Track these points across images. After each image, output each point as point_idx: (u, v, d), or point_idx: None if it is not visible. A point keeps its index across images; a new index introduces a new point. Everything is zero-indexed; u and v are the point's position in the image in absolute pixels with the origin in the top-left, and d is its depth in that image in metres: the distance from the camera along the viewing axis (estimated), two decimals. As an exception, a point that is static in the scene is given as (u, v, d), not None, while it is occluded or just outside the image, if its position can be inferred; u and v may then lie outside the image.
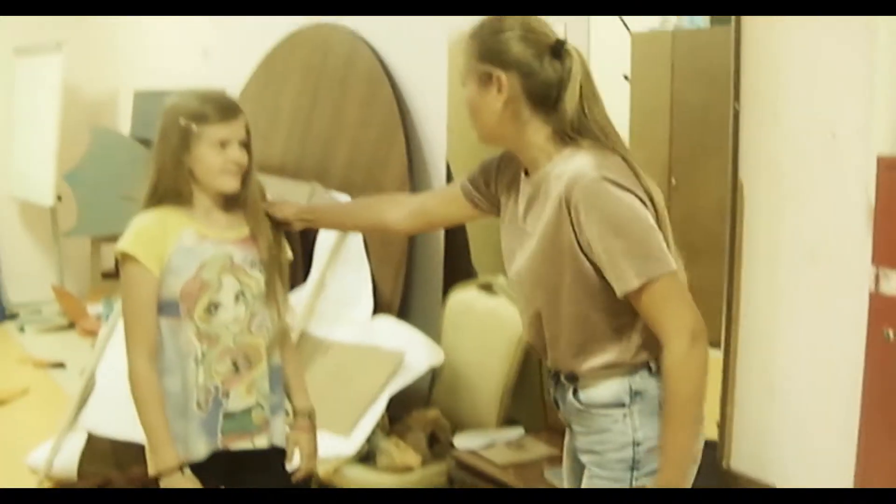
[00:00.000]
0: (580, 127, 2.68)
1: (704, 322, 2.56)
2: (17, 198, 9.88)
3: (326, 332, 5.22)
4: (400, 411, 4.76)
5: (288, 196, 5.76)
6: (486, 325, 4.85)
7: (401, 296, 5.41)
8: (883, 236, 3.35)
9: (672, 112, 4.26)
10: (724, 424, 3.86)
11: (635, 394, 2.69)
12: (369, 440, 4.57)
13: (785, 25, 3.63)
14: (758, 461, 3.78)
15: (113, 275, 9.52)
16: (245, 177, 3.35)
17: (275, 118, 6.57)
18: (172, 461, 3.23)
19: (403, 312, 5.43)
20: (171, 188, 3.29)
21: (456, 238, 5.39)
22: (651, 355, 2.66)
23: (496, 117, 2.74)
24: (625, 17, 4.29)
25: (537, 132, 2.72)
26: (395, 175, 5.46)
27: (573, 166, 2.60)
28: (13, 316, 9.53)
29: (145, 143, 7.48)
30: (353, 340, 5.06)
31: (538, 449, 4.45)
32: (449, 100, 5.35)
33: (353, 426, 4.61)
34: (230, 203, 3.38)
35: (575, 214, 2.57)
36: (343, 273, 5.45)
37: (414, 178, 5.45)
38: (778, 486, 3.71)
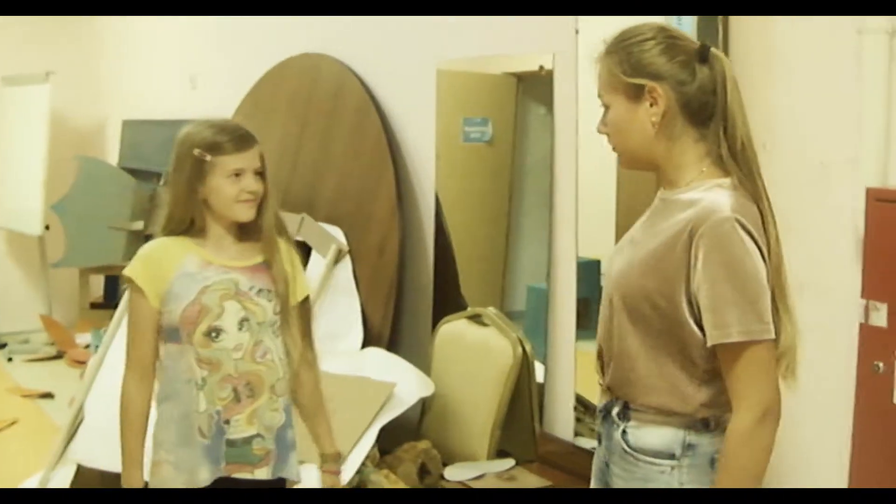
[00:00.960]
0: (731, 148, 2.53)
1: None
2: (4, 227, 9.87)
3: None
4: (390, 443, 4.73)
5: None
6: (476, 357, 4.83)
7: (390, 327, 5.40)
8: (872, 268, 3.35)
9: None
10: (715, 455, 3.86)
11: (688, 447, 2.55)
12: (359, 472, 4.54)
13: (772, 56, 3.63)
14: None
15: (101, 305, 9.52)
16: (261, 206, 3.36)
17: (263, 147, 6.56)
18: (136, 483, 3.30)
19: (393, 344, 5.42)
20: (186, 217, 3.33)
21: (445, 269, 5.39)
22: (713, 414, 2.53)
23: (648, 136, 2.57)
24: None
25: (687, 150, 2.57)
26: (384, 205, 5.45)
27: (711, 198, 2.46)
28: (1, 346, 9.50)
29: (133, 172, 7.48)
30: (342, 372, 5.03)
31: (529, 480, 4.43)
32: (437, 129, 5.35)
33: (343, 458, 4.59)
34: (245, 232, 3.40)
35: (696, 248, 2.43)
36: (332, 304, 5.45)
37: (403, 208, 5.45)
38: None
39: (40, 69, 9.15)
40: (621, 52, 2.59)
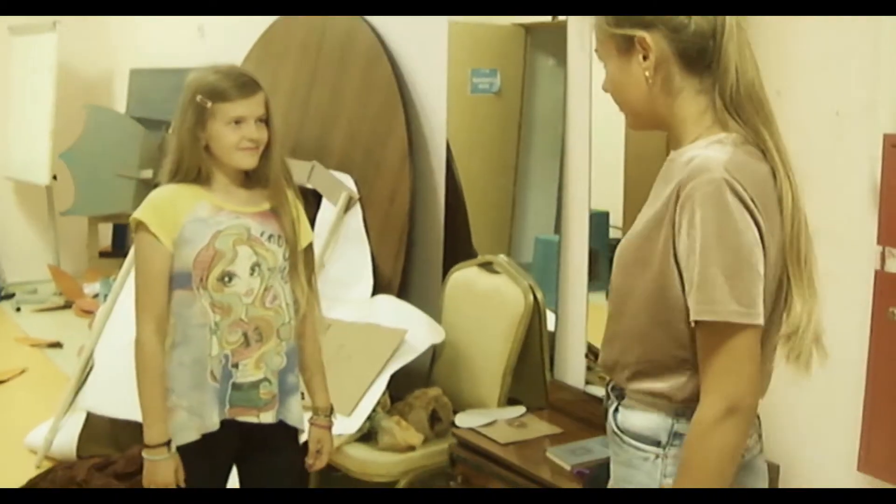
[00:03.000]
0: (730, 97, 2.30)
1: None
2: (12, 177, 9.86)
3: (326, 311, 5.19)
4: (401, 390, 4.75)
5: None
6: (487, 304, 4.84)
7: (401, 275, 5.40)
8: (888, 215, 3.33)
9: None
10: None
11: (675, 435, 2.36)
12: (370, 419, 4.57)
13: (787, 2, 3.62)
14: (763, 440, 3.78)
15: (110, 254, 9.53)
16: (265, 153, 3.37)
17: (273, 96, 6.51)
18: (160, 437, 3.26)
19: (404, 291, 5.42)
20: (191, 165, 3.32)
21: (456, 218, 5.39)
22: None
23: (645, 91, 2.37)
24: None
25: (690, 103, 2.35)
26: (394, 153, 5.45)
27: (704, 155, 2.24)
28: (9, 296, 9.53)
29: (141, 121, 7.47)
30: (353, 319, 5.05)
31: (540, 427, 4.44)
32: (449, 78, 5.34)
33: (354, 405, 4.61)
34: (251, 180, 3.41)
35: (680, 212, 2.22)
36: (343, 251, 5.45)
37: (414, 156, 5.44)
38: (782, 466, 3.70)
39: (47, 18, 9.12)
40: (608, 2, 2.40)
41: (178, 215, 3.28)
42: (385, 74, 5.62)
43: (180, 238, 3.28)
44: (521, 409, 4.65)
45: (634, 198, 4.24)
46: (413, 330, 4.81)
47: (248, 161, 3.33)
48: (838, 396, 3.59)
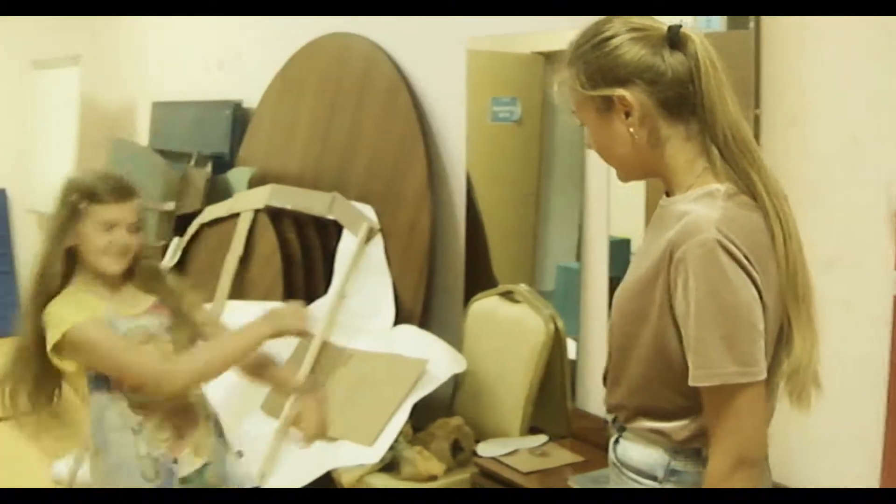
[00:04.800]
0: (714, 143, 2.28)
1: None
2: (36, 210, 9.91)
3: (348, 342, 5.22)
4: (423, 420, 4.76)
5: (308, 205, 5.79)
6: (508, 333, 4.85)
7: (422, 304, 5.41)
8: (906, 241, 3.34)
9: (690, 116, 4.25)
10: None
11: (672, 472, 2.38)
12: (393, 449, 4.57)
13: (804, 29, 3.62)
14: (782, 466, 3.77)
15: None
16: (137, 257, 3.37)
17: (293, 128, 6.58)
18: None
19: (425, 321, 5.43)
20: (59, 268, 3.27)
21: (477, 247, 5.39)
22: (707, 442, 2.29)
23: (632, 146, 2.33)
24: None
25: (679, 151, 2.32)
26: (415, 183, 5.47)
27: (696, 213, 2.20)
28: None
29: (163, 153, 7.50)
30: (375, 349, 5.06)
31: (562, 456, 4.44)
32: (468, 106, 5.36)
33: (376, 435, 4.61)
34: (122, 279, 3.38)
35: (675, 273, 2.21)
36: (364, 282, 5.46)
37: (434, 186, 5.46)
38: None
39: (70, 53, 9.18)
40: (578, 62, 2.36)
41: (88, 312, 3.23)
42: (404, 104, 5.64)
43: None
44: (542, 438, 4.64)
45: (654, 225, 4.25)
46: (434, 359, 4.82)
47: (115, 266, 3.30)
48: (858, 422, 3.58)
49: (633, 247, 4.52)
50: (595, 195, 4.61)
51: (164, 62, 9.39)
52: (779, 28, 3.70)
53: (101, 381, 3.26)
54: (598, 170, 4.58)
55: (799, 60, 3.65)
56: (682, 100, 2.29)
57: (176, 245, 6.20)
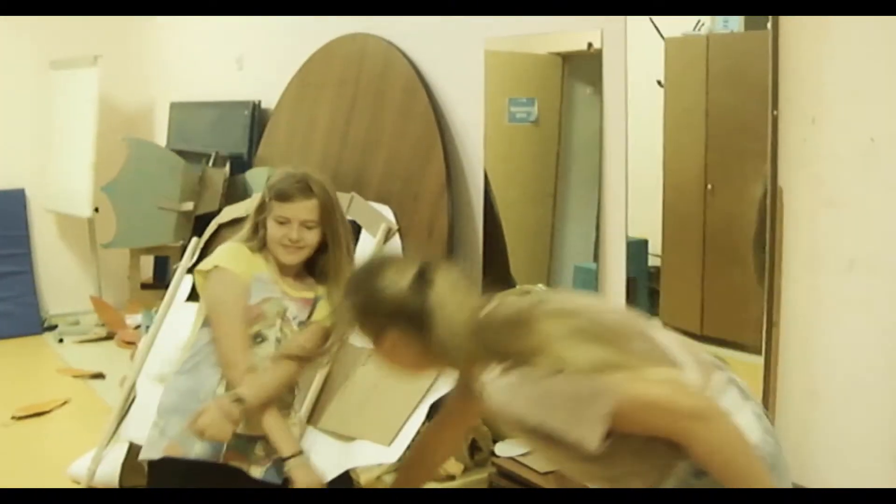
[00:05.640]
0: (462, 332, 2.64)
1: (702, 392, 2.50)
2: (54, 210, 9.93)
3: (366, 342, 5.22)
4: (441, 420, 4.76)
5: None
6: (525, 333, 4.83)
7: (440, 304, 5.39)
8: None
9: (707, 117, 4.26)
10: (765, 430, 3.85)
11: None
12: (410, 448, 4.57)
13: (822, 30, 3.62)
14: (801, 467, 3.77)
15: (151, 286, 9.58)
16: (322, 251, 3.73)
17: (311, 128, 6.59)
18: (293, 448, 3.62)
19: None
20: (254, 239, 3.74)
21: (494, 246, 5.40)
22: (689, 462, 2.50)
23: (414, 360, 2.76)
24: (658, 24, 4.29)
25: (453, 352, 2.67)
26: (433, 184, 5.48)
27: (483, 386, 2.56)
28: (52, 327, 9.59)
29: (182, 153, 7.52)
30: (393, 349, 5.06)
31: (579, 456, 4.43)
32: (486, 107, 5.36)
33: (394, 435, 4.61)
34: (301, 275, 3.78)
35: (516, 425, 2.56)
36: (382, 282, 5.46)
37: (452, 186, 5.47)
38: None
39: (88, 53, 9.20)
40: (356, 321, 2.83)
41: (247, 267, 3.65)
42: (422, 105, 5.65)
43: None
44: (560, 438, 4.63)
45: (672, 225, 4.26)
46: (452, 359, 4.81)
47: (288, 258, 3.67)
48: (877, 423, 3.58)
49: (651, 247, 4.52)
50: (612, 196, 4.62)
51: (182, 63, 9.43)
52: (797, 28, 3.70)
53: None
54: (615, 170, 4.58)
55: (817, 61, 3.65)
56: (427, 316, 2.68)
57: (194, 245, 6.21)
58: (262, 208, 3.71)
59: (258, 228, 3.73)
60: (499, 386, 2.49)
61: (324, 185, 3.70)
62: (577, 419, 2.41)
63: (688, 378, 2.55)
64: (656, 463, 2.53)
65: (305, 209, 3.63)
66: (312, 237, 3.67)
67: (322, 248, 3.73)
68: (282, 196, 3.62)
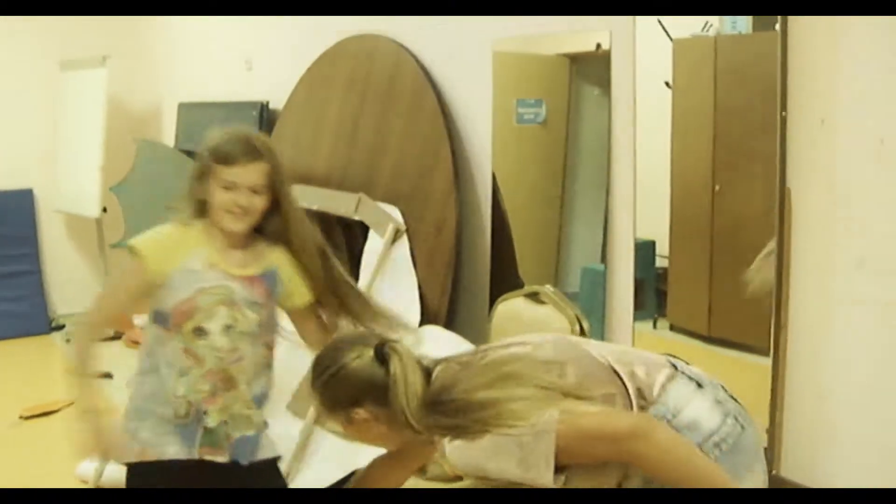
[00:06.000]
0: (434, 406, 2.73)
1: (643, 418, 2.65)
2: (62, 210, 9.95)
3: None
4: (448, 420, 4.75)
5: (335, 206, 5.81)
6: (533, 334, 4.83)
7: (448, 305, 5.41)
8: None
9: (715, 118, 4.26)
10: (773, 431, 3.85)
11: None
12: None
13: (831, 31, 3.62)
14: (808, 469, 3.77)
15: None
16: (270, 216, 3.53)
17: (320, 129, 6.60)
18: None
19: (451, 322, 5.43)
20: (190, 212, 3.51)
21: (502, 247, 5.40)
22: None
23: (386, 436, 2.91)
24: (666, 25, 4.29)
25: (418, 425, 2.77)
26: (441, 184, 5.48)
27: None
28: (59, 327, 9.62)
29: (190, 154, 7.52)
30: (400, 350, 5.06)
31: (587, 457, 4.43)
32: (494, 108, 5.36)
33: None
34: (249, 240, 3.54)
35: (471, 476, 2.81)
36: (390, 283, 5.47)
37: (460, 187, 5.47)
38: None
39: (97, 54, 9.22)
40: (322, 397, 2.97)
41: (174, 260, 3.44)
42: (431, 106, 5.65)
43: (168, 282, 3.43)
44: (567, 439, 4.63)
45: (680, 227, 4.26)
46: (460, 360, 4.81)
47: (234, 225, 3.45)
48: (886, 423, 3.58)
49: (659, 249, 4.52)
50: (620, 197, 4.61)
51: (190, 63, 9.43)
52: (806, 29, 3.69)
53: (163, 317, 3.47)
54: (623, 172, 4.58)
55: (826, 62, 3.64)
56: (389, 391, 2.84)
57: (202, 245, 6.22)
58: (202, 174, 3.45)
59: (191, 203, 3.51)
60: (454, 447, 2.68)
61: (270, 145, 3.49)
62: (526, 463, 2.57)
63: (628, 388, 2.73)
64: (611, 480, 2.69)
65: (254, 173, 3.41)
66: (261, 202, 3.44)
67: (269, 211, 3.53)
68: (227, 159, 3.38)
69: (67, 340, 9.20)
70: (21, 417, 7.24)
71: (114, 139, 9.01)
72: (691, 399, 2.72)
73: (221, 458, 3.58)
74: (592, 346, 2.93)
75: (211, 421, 3.52)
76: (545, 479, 2.56)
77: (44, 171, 9.93)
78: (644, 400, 2.72)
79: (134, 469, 3.61)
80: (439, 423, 2.70)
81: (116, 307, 3.61)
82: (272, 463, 3.76)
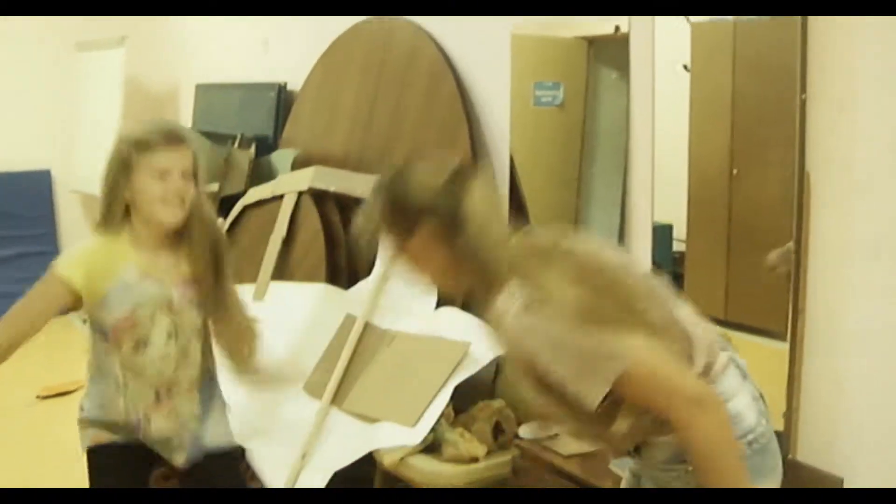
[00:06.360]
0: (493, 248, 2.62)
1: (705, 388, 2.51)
2: (79, 191, 9.97)
3: (391, 324, 5.24)
4: (465, 402, 4.77)
5: (352, 187, 5.81)
6: (550, 317, 4.82)
7: (464, 287, 5.40)
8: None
9: (733, 102, 4.25)
10: (790, 416, 3.85)
11: None
12: (434, 431, 4.58)
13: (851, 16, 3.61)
14: (825, 453, 3.77)
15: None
16: (193, 210, 3.42)
17: (336, 110, 6.60)
18: None
19: (468, 303, 5.43)
20: (116, 216, 3.40)
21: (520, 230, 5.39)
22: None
23: (442, 267, 2.70)
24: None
25: (477, 265, 2.64)
26: (458, 167, 5.45)
27: (503, 311, 2.55)
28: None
29: (207, 135, 7.53)
30: (417, 332, 5.07)
31: (603, 439, 4.44)
32: (512, 91, 5.36)
33: (418, 416, 4.63)
34: (177, 240, 3.47)
35: (523, 356, 2.56)
36: (407, 266, 5.47)
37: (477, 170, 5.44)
38: (845, 478, 3.69)
39: (114, 34, 9.23)
40: (385, 219, 2.71)
41: (105, 280, 3.38)
42: (448, 88, 5.65)
43: (104, 301, 3.39)
44: (584, 422, 4.63)
45: (698, 210, 4.26)
46: (477, 342, 4.82)
47: (172, 216, 3.37)
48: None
49: (676, 233, 4.52)
50: (638, 180, 4.61)
51: (208, 44, 9.43)
52: (824, 16, 3.68)
53: (101, 331, 3.50)
54: (641, 155, 4.57)
55: (846, 46, 3.63)
56: (461, 224, 2.62)
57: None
58: (125, 170, 3.34)
59: (115, 206, 3.40)
60: (521, 321, 2.48)
61: (189, 132, 3.47)
62: (584, 374, 2.44)
63: (696, 358, 2.60)
64: (636, 436, 2.63)
65: (184, 157, 3.37)
66: (191, 189, 3.39)
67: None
68: (155, 146, 3.32)
69: (84, 321, 9.21)
70: (38, 397, 7.28)
71: (131, 120, 9.03)
72: (738, 391, 2.63)
73: (169, 460, 3.65)
74: (675, 300, 2.81)
75: (155, 428, 3.54)
76: (593, 397, 2.46)
77: (61, 151, 9.96)
78: (705, 378, 2.62)
79: (92, 453, 3.67)
80: (511, 267, 2.57)
81: (24, 332, 3.48)
82: (230, 455, 3.83)
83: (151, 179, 3.31)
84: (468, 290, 2.85)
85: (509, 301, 2.51)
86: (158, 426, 3.55)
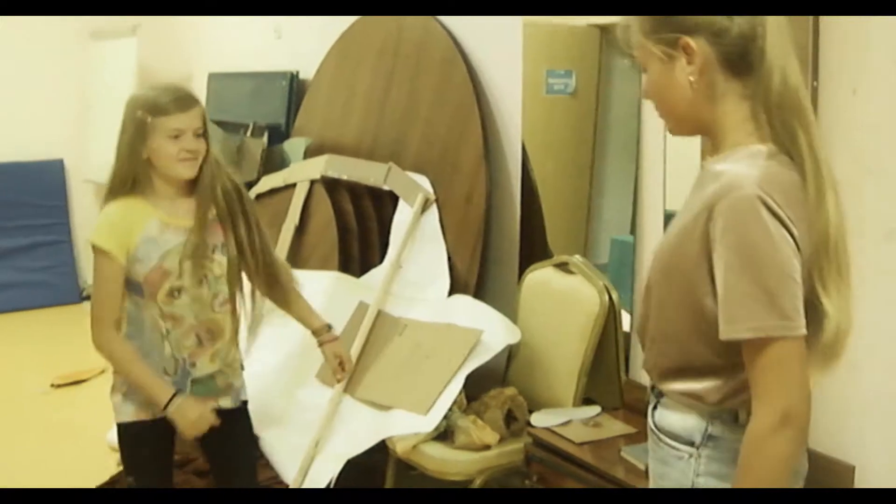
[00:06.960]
0: (779, 100, 2.26)
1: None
2: (92, 180, 9.97)
3: (403, 312, 5.25)
4: (477, 389, 4.77)
5: (364, 175, 5.82)
6: (562, 304, 4.85)
7: (477, 275, 5.42)
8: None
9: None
10: (802, 402, 3.84)
11: (709, 437, 2.40)
12: (447, 418, 4.59)
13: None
14: (837, 440, 3.77)
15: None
16: (203, 164, 3.61)
17: (349, 98, 6.60)
18: (169, 391, 3.58)
19: (480, 291, 5.44)
20: (131, 178, 3.58)
21: (531, 217, 5.40)
22: (743, 406, 2.31)
23: (689, 96, 2.35)
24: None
25: (734, 109, 2.33)
26: (470, 154, 5.47)
27: (736, 170, 2.23)
28: (89, 297, 9.63)
29: (220, 124, 7.53)
30: (430, 319, 5.08)
31: (615, 427, 4.44)
32: (524, 79, 5.35)
33: (430, 404, 4.64)
34: (193, 189, 3.65)
35: (713, 226, 2.21)
36: (420, 252, 5.48)
37: (490, 157, 5.46)
38: (857, 466, 3.69)
39: (127, 23, 9.23)
40: (649, 22, 2.38)
41: (132, 236, 3.54)
42: (461, 76, 5.65)
43: (134, 256, 3.54)
44: (596, 409, 4.65)
45: (710, 198, 4.24)
46: (489, 330, 4.83)
47: (189, 171, 3.57)
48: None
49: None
50: (650, 168, 4.60)
51: (220, 33, 9.42)
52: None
53: (138, 287, 3.59)
54: (653, 143, 4.57)
55: (858, 31, 3.62)
56: (743, 57, 2.29)
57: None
58: (141, 133, 3.51)
59: (132, 167, 3.57)
60: (752, 205, 2.17)
61: (194, 92, 3.66)
62: (750, 305, 2.17)
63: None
64: (715, 390, 2.37)
65: (196, 117, 3.56)
66: (203, 145, 3.58)
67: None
68: (170, 109, 3.51)
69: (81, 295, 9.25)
70: (52, 386, 7.30)
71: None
72: None
73: (216, 403, 3.76)
74: None
75: (200, 371, 3.68)
76: (733, 329, 2.19)
77: (74, 141, 9.97)
78: None
79: (127, 428, 3.76)
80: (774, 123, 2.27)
81: (118, 311, 3.62)
82: (244, 407, 3.95)
83: (167, 141, 3.50)
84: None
85: (753, 167, 2.25)
86: (203, 368, 3.68)
